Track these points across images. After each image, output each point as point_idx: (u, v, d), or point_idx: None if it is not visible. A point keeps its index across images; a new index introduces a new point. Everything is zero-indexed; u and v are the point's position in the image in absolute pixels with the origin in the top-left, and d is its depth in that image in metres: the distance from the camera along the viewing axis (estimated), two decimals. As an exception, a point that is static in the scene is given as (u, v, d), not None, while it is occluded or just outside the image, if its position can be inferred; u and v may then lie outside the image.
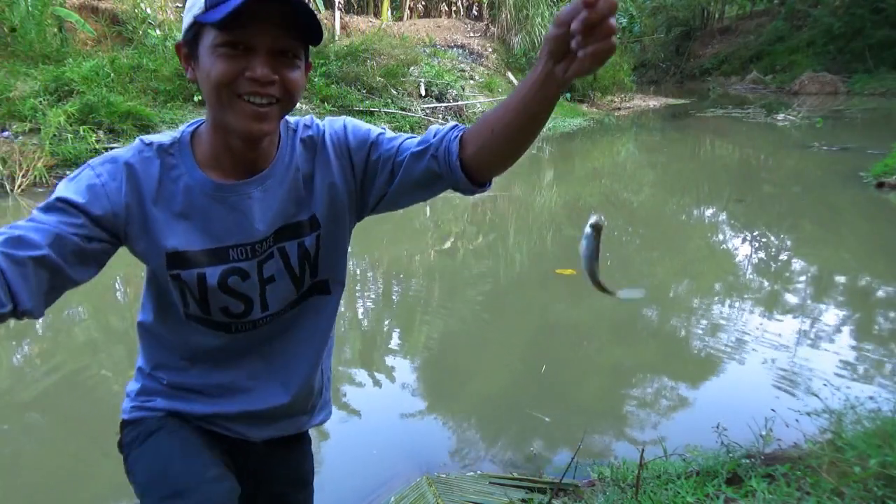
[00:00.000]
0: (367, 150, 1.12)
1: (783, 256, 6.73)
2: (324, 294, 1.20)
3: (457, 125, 1.08)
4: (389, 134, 1.15)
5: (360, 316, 5.11)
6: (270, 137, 1.05)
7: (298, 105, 11.75)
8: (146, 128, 9.51)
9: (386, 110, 11.58)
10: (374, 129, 1.15)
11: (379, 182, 1.12)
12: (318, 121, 1.16)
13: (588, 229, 1.05)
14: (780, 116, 16.07)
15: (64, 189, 0.94)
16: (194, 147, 1.05)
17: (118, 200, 0.98)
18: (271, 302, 1.12)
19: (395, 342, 4.64)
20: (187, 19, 0.96)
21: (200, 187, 1.03)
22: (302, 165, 1.11)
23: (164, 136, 1.05)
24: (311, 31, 0.97)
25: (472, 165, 1.03)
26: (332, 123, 1.15)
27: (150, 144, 1.03)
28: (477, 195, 1.12)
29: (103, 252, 0.97)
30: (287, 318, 1.17)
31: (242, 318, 1.11)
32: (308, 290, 1.17)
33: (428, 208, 8.51)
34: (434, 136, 1.07)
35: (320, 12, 16.22)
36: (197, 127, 1.07)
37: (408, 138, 1.12)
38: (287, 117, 1.10)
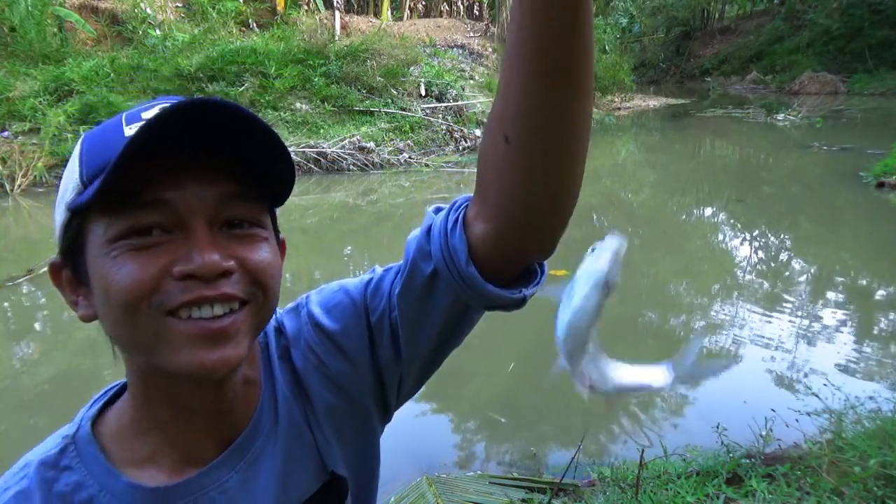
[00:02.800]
0: (362, 322, 0.69)
1: (783, 256, 6.73)
2: None
3: (454, 202, 0.65)
4: (378, 273, 0.71)
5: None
6: (244, 369, 0.65)
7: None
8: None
9: (386, 110, 11.58)
10: (351, 284, 0.72)
11: (386, 363, 0.70)
12: (277, 314, 0.74)
13: (595, 277, 0.57)
14: (780, 116, 16.08)
15: None
16: (103, 441, 0.62)
17: None
18: None
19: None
20: (59, 215, 0.57)
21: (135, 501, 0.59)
22: (294, 400, 0.69)
23: (47, 444, 0.62)
24: (278, 174, 0.58)
25: (497, 247, 0.59)
26: (293, 317, 0.72)
27: (21, 474, 0.59)
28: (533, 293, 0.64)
29: None
30: None
31: None
32: None
33: (428, 209, 8.49)
34: (425, 235, 0.64)
35: (320, 12, 16.22)
36: (103, 407, 0.65)
37: (399, 267, 0.69)
38: None
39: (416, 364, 0.70)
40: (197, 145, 0.54)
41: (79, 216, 0.54)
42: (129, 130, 0.54)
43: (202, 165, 0.54)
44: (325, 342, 0.69)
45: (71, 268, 0.57)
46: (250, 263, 0.57)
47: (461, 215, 0.61)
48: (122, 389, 0.66)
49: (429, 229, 0.64)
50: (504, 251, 0.59)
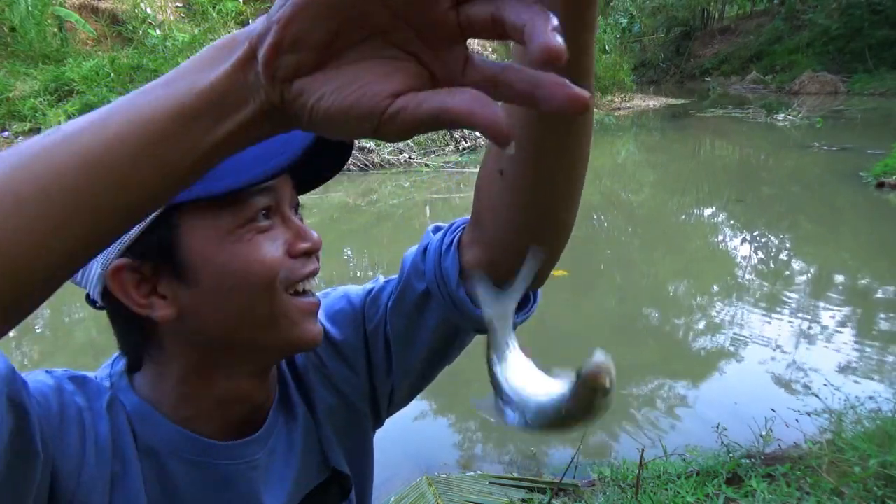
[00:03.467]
0: (360, 330, 0.71)
1: (783, 256, 6.73)
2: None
3: (453, 224, 0.66)
4: (379, 283, 0.73)
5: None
6: None
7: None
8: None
9: (386, 110, 11.61)
10: (353, 292, 0.74)
11: (379, 373, 0.73)
12: None
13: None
14: (780, 116, 16.07)
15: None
16: (140, 393, 0.62)
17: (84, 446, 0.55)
18: None
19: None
20: None
21: (171, 446, 0.60)
22: (299, 396, 0.72)
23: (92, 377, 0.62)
24: (330, 172, 0.64)
25: (488, 273, 0.57)
26: None
27: (77, 379, 0.59)
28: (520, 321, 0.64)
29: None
30: None
31: None
32: None
33: (428, 208, 8.50)
34: (421, 254, 0.67)
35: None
36: (126, 372, 0.63)
37: (395, 281, 0.72)
38: None
39: (406, 379, 0.72)
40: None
41: (171, 211, 0.54)
42: None
43: None
44: (326, 345, 0.71)
45: (150, 268, 0.56)
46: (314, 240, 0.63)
47: (457, 238, 0.64)
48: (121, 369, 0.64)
49: (425, 248, 0.66)
50: (494, 278, 0.60)
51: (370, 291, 0.73)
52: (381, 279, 0.74)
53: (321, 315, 0.72)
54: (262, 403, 0.66)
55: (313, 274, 0.60)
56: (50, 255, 0.32)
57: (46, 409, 0.53)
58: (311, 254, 0.60)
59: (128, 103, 0.33)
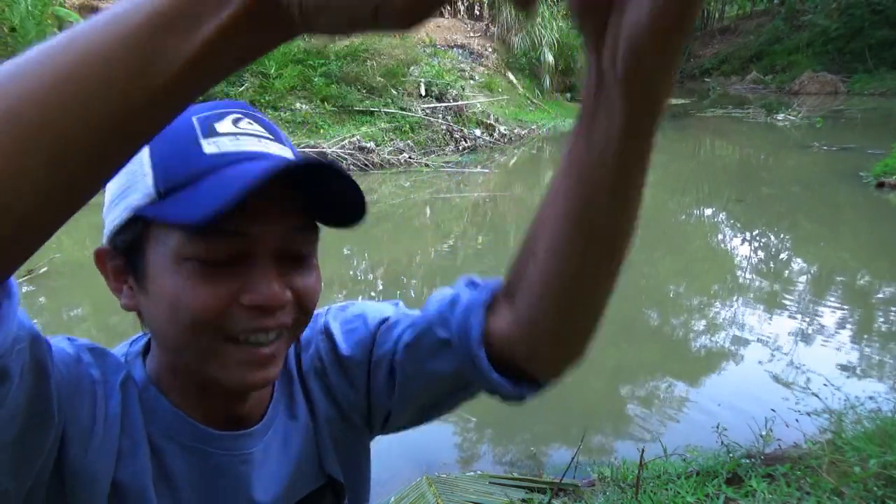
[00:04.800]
0: (367, 352, 0.71)
1: (783, 256, 6.73)
2: None
3: (488, 284, 0.64)
4: (397, 312, 0.72)
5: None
6: None
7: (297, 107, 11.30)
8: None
9: (386, 110, 11.58)
10: (370, 313, 0.73)
11: (378, 394, 0.71)
12: None
13: None
14: (780, 116, 16.07)
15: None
16: (149, 373, 0.63)
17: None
18: None
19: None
20: (118, 212, 0.56)
21: (169, 429, 0.61)
22: (303, 401, 0.72)
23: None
24: (349, 207, 0.57)
25: (510, 346, 0.60)
26: (309, 325, 0.70)
27: (96, 351, 0.61)
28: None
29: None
30: None
31: None
32: None
33: (428, 208, 8.50)
34: (449, 304, 0.64)
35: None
36: (143, 347, 0.66)
37: (415, 319, 0.69)
38: None
39: (405, 412, 0.72)
40: (287, 187, 0.55)
41: (144, 220, 0.55)
42: (209, 146, 0.54)
43: (282, 199, 0.55)
44: (332, 357, 0.72)
45: (122, 258, 0.58)
46: (302, 292, 0.58)
47: (488, 297, 0.62)
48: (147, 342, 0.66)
49: (454, 300, 0.65)
50: (515, 350, 0.61)
51: (386, 319, 0.71)
52: (402, 306, 0.73)
53: (335, 326, 0.72)
54: (248, 414, 0.65)
55: (263, 329, 0.55)
56: (20, 178, 0.31)
57: (64, 375, 0.54)
58: (265, 310, 0.54)
59: (100, 17, 0.32)
